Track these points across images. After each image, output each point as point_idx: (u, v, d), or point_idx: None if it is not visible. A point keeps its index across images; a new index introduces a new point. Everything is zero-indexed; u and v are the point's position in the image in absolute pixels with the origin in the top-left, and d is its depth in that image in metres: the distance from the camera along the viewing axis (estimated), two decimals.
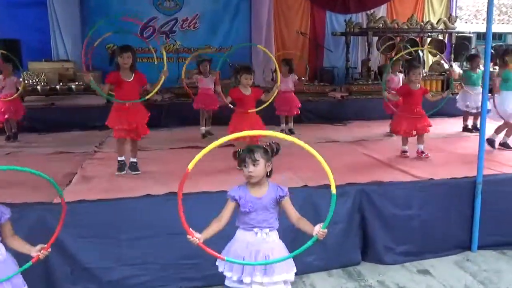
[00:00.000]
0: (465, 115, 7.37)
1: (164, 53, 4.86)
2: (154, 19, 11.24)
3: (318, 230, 2.49)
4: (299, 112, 7.28)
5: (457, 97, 7.47)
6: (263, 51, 10.95)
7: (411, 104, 5.36)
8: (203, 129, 7.01)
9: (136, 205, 3.72)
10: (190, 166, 2.25)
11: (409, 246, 4.21)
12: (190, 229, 2.44)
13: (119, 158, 4.76)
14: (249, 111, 4.91)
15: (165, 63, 4.76)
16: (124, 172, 4.72)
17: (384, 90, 5.90)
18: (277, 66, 5.70)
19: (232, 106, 4.96)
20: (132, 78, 4.53)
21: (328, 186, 2.39)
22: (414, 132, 5.38)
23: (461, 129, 7.38)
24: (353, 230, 4.09)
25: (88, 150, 5.88)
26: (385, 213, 4.14)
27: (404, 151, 5.48)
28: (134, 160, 4.80)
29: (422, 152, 5.40)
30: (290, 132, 6.97)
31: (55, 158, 5.58)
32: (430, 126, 5.45)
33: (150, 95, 4.71)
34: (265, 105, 5.14)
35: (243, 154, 2.61)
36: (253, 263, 2.57)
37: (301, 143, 2.31)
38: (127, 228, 3.63)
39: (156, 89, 4.76)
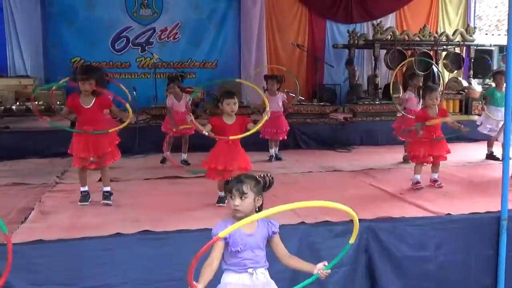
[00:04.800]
0: (489, 140, 7.40)
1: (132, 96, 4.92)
2: (128, 29, 11.37)
3: (321, 268, 2.59)
4: (286, 137, 7.29)
5: (479, 119, 7.49)
6: (254, 67, 11.19)
7: (429, 130, 5.45)
8: (167, 154, 6.69)
9: (103, 246, 3.68)
10: (222, 234, 2.24)
11: None
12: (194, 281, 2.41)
13: (82, 189, 4.88)
14: (230, 137, 4.58)
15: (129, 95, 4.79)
16: (87, 203, 4.79)
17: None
18: (263, 96, 5.42)
19: (206, 134, 4.62)
20: (92, 103, 4.63)
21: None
22: (431, 159, 5.49)
23: (484, 156, 7.41)
24: (358, 275, 4.07)
25: (48, 181, 5.83)
26: (395, 254, 4.14)
27: (417, 182, 5.51)
28: (107, 189, 4.86)
29: (435, 181, 5.55)
30: (277, 158, 6.98)
31: (9, 190, 5.53)
32: (449, 152, 5.54)
33: (115, 129, 4.75)
34: (248, 133, 4.75)
35: (231, 183, 2.67)
36: None
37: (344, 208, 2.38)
38: (92, 273, 3.58)
39: (122, 126, 4.77)
